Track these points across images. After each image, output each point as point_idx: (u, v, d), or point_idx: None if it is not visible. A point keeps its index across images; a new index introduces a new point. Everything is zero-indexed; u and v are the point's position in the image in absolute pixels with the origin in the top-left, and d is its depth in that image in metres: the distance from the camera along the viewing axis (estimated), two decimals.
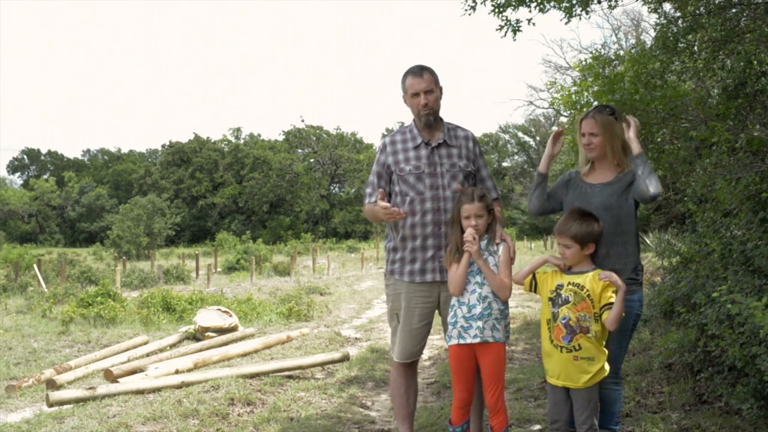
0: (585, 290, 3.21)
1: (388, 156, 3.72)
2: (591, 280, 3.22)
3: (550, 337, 3.29)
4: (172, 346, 8.01)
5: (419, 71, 3.63)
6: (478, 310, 3.32)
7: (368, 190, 3.80)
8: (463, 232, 3.36)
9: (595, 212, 3.36)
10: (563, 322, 3.23)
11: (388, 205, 3.43)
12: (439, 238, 3.56)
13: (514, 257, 3.46)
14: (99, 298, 11.55)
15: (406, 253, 3.65)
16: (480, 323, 3.31)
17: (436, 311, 3.73)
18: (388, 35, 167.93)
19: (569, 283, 3.26)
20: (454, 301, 3.41)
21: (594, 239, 3.26)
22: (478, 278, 3.35)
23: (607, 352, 3.26)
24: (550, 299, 3.31)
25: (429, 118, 3.63)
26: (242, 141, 73.62)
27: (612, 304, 3.16)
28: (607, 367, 3.26)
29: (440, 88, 3.70)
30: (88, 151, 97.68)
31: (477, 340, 3.31)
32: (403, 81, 3.69)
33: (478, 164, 3.73)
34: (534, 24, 6.50)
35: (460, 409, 3.42)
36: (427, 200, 3.59)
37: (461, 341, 3.35)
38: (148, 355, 7.29)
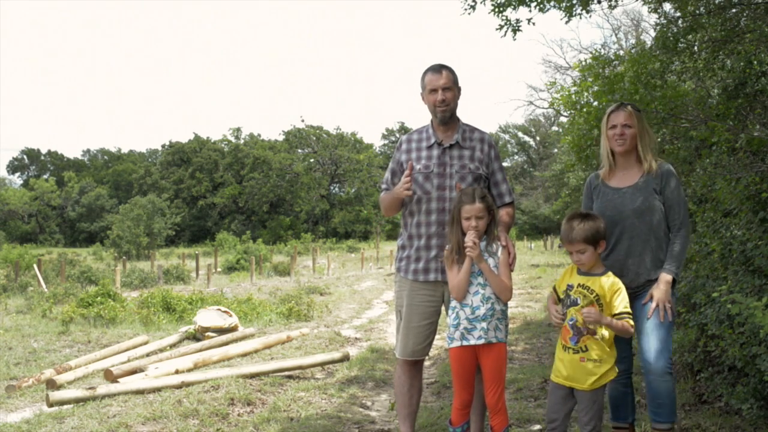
0: (594, 294, 3.19)
1: (402, 153, 3.77)
2: (601, 284, 3.20)
3: (560, 337, 3.30)
4: (172, 346, 8.01)
5: (439, 68, 3.65)
6: (482, 311, 3.31)
7: (383, 186, 3.88)
8: (463, 233, 3.35)
9: (627, 219, 3.36)
10: (570, 323, 3.22)
11: (407, 177, 3.53)
12: (443, 238, 3.57)
13: (513, 264, 3.45)
14: (99, 298, 11.56)
15: (412, 251, 3.69)
16: (484, 324, 3.30)
17: (443, 311, 3.73)
18: (388, 35, 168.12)
19: (579, 285, 3.24)
20: (455, 303, 3.39)
21: (603, 236, 3.24)
22: (480, 279, 3.34)
23: (615, 354, 3.24)
24: (561, 300, 3.31)
25: (444, 115, 3.64)
26: (242, 141, 73.65)
27: (621, 314, 3.15)
28: (615, 369, 3.24)
29: (459, 88, 3.70)
30: (88, 151, 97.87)
31: (481, 341, 3.30)
32: (423, 78, 3.71)
33: (493, 167, 3.71)
34: (534, 24, 6.51)
35: (460, 410, 3.42)
36: (433, 200, 3.60)
37: (464, 343, 3.33)
38: (148, 355, 7.29)
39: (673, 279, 3.32)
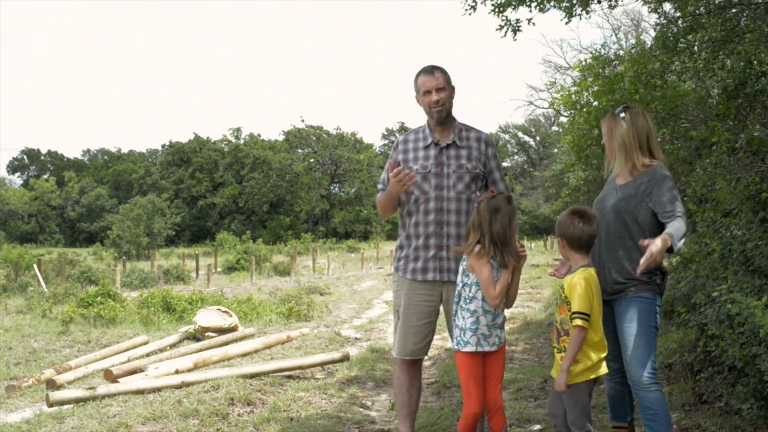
0: (563, 293, 3.25)
1: (399, 154, 3.77)
2: (569, 281, 3.22)
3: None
4: (172, 346, 8.01)
5: (431, 70, 3.67)
6: (500, 318, 3.33)
7: (380, 187, 3.86)
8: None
9: (607, 215, 3.38)
10: (555, 324, 3.31)
11: (398, 169, 3.46)
12: (441, 237, 3.58)
13: None
14: (99, 298, 11.55)
15: (410, 251, 3.69)
16: (499, 331, 3.32)
17: (442, 311, 3.74)
18: (388, 35, 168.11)
19: (560, 286, 3.33)
20: (474, 306, 3.29)
21: (562, 234, 3.26)
22: None
23: (594, 356, 3.18)
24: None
25: (440, 116, 3.65)
26: (242, 141, 73.65)
27: (573, 314, 3.14)
28: (599, 369, 3.19)
29: (452, 88, 3.71)
30: (88, 151, 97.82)
31: (494, 347, 3.30)
32: (416, 80, 3.72)
33: (490, 166, 3.73)
34: (534, 24, 6.52)
35: (473, 423, 3.34)
36: (431, 200, 3.61)
37: (479, 348, 3.29)
38: (148, 355, 7.28)
39: (664, 272, 3.29)
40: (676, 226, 3.20)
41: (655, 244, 3.07)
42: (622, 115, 3.47)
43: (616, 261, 3.35)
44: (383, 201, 3.74)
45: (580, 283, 3.16)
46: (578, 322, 3.11)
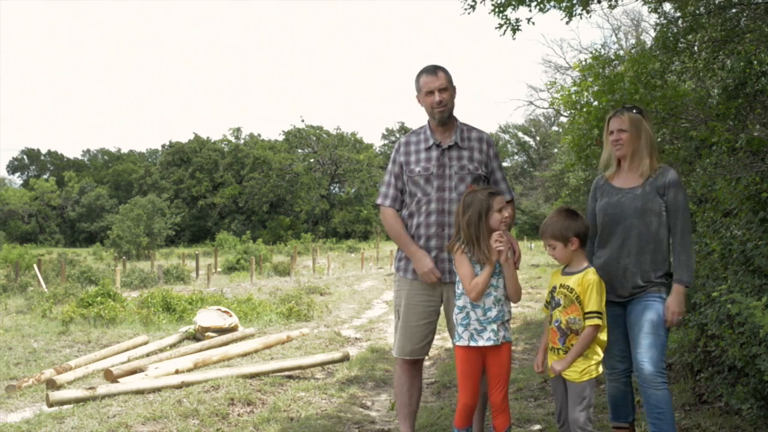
0: (574, 293, 3.22)
1: (401, 156, 3.76)
2: (579, 281, 3.22)
3: (548, 341, 3.34)
4: (172, 346, 8.01)
5: (433, 70, 3.65)
6: (493, 313, 3.30)
7: (382, 189, 3.82)
8: (489, 232, 3.29)
9: (628, 219, 3.38)
10: (556, 325, 3.27)
11: (434, 274, 3.54)
12: (443, 239, 3.57)
13: (518, 262, 3.46)
14: (99, 298, 11.56)
15: None
16: (494, 326, 3.30)
17: (442, 312, 3.74)
18: (388, 35, 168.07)
19: (561, 285, 3.29)
20: (463, 302, 3.34)
21: (575, 233, 3.26)
22: (493, 280, 3.33)
23: (601, 353, 3.25)
24: (547, 302, 3.35)
25: (443, 116, 3.64)
26: (242, 141, 73.64)
27: (590, 313, 3.16)
28: (601, 368, 3.25)
29: (454, 88, 3.70)
30: (88, 151, 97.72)
31: (490, 342, 3.29)
32: (417, 80, 3.70)
33: (492, 166, 3.72)
34: (534, 23, 6.50)
35: (465, 412, 3.38)
36: (432, 201, 3.60)
37: (473, 343, 3.30)
38: (148, 355, 7.29)
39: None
40: (684, 260, 3.32)
41: (674, 301, 3.28)
42: (640, 114, 3.50)
43: (639, 266, 3.36)
44: (389, 226, 3.72)
45: (595, 283, 3.19)
46: (597, 321, 3.16)
